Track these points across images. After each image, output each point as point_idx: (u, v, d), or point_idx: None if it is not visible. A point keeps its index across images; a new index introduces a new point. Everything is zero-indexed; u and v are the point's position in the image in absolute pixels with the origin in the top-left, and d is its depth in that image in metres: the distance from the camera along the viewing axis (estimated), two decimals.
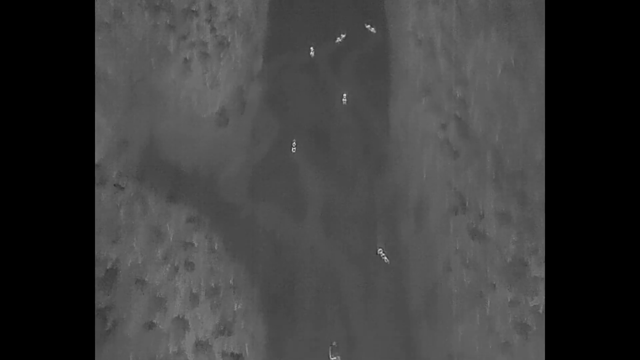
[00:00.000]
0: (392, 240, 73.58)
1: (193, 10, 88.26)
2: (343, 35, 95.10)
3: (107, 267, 63.60)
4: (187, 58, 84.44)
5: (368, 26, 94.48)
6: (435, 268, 66.87)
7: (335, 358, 63.74)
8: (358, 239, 75.07)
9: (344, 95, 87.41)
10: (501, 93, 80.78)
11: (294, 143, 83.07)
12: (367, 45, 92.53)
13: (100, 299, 62.46)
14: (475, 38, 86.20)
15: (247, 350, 63.23)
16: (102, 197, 70.37)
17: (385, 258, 71.03)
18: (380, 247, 72.93)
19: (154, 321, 62.56)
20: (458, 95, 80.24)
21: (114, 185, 69.97)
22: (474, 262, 65.54)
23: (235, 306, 65.40)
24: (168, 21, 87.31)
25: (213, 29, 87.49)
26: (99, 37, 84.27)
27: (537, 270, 63.73)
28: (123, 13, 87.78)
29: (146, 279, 63.78)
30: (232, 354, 61.74)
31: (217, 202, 77.42)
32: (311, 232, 74.99)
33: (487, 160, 73.38)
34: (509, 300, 62.82)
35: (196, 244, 67.74)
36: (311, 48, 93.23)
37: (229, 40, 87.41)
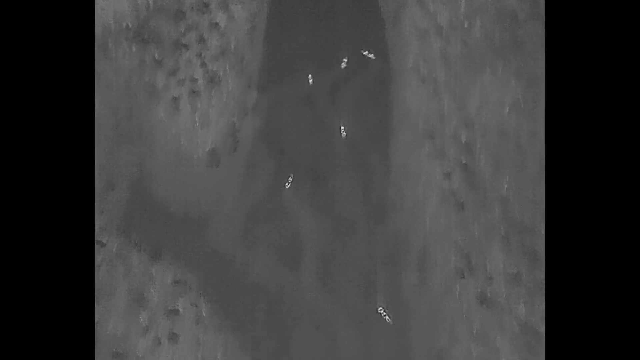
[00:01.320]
0: (393, 296, 68.34)
1: (183, 44, 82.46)
2: (345, 60, 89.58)
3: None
4: (176, 96, 78.68)
5: (366, 52, 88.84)
6: (440, 336, 61.39)
7: None
8: (357, 295, 69.70)
9: (342, 127, 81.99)
10: (509, 134, 75.23)
11: (290, 178, 77.85)
12: (368, 75, 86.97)
13: None
14: (480, 73, 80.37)
15: None
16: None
17: (387, 317, 65.71)
18: (380, 306, 67.67)
19: None
20: (463, 139, 74.50)
21: (96, 242, 64.69)
22: (482, 332, 60.14)
23: None
24: (156, 56, 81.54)
25: (204, 64, 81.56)
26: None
27: None
28: (109, 46, 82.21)
29: (126, 352, 58.18)
30: None
31: (207, 253, 72.08)
32: (307, 287, 69.71)
33: (495, 212, 67.93)
34: None
35: (182, 311, 62.23)
36: (309, 76, 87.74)
37: (221, 75, 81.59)
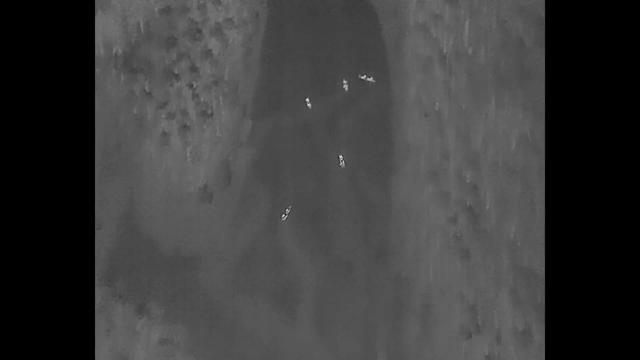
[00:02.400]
0: (394, 347, 63.99)
1: (174, 73, 77.73)
2: (346, 82, 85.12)
3: None
4: (166, 131, 74.11)
5: (364, 77, 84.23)
6: None
7: None
8: (356, 345, 65.33)
9: (341, 157, 77.55)
10: (516, 172, 70.80)
11: (288, 210, 73.45)
12: (367, 103, 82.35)
13: None
14: (486, 105, 75.92)
15: None
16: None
17: None
18: (381, 357, 63.40)
19: None
20: (468, 178, 69.95)
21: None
22: None
23: None
24: (146, 87, 76.81)
25: (195, 95, 76.73)
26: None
27: None
28: (97, 74, 77.59)
29: None
30: None
31: (198, 299, 67.71)
32: (304, 338, 65.36)
33: (502, 260, 63.45)
34: None
35: None
36: (307, 99, 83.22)
37: (213, 107, 76.77)
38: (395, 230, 72.43)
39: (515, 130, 75.54)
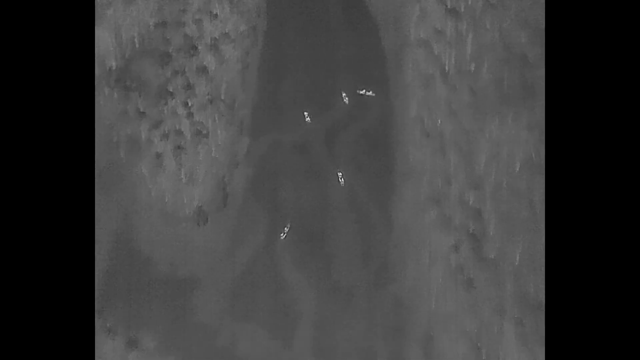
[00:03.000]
0: None
1: (169, 91, 75.28)
2: (345, 94, 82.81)
3: None
4: (160, 152, 71.60)
5: (363, 91, 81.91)
6: None
7: None
8: None
9: (340, 174, 75.15)
10: (521, 194, 68.32)
11: (286, 228, 71.12)
12: (367, 120, 79.91)
13: None
14: (489, 124, 73.52)
15: None
16: None
17: None
18: None
19: None
20: (471, 201, 67.50)
21: None
22: None
23: None
24: (139, 106, 74.21)
25: (190, 115, 74.11)
26: None
27: None
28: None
29: None
30: None
31: (192, 326, 65.29)
32: None
33: (506, 290, 60.91)
34: None
35: None
36: (305, 114, 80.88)
37: (209, 126, 74.13)
38: (395, 255, 68.24)
39: (520, 150, 71.56)
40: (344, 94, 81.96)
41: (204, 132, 72.83)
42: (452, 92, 75.72)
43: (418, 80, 77.59)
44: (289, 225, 71.73)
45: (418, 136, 73.04)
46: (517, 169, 69.41)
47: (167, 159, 70.77)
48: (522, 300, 59.55)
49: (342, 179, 74.74)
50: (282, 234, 71.34)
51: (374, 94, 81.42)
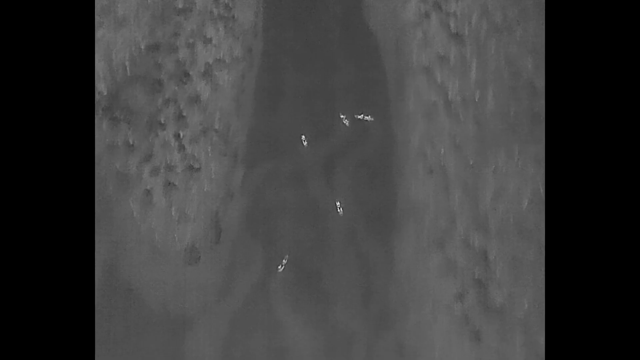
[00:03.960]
0: None
1: (160, 122, 71.55)
2: (343, 116, 79.10)
3: None
4: (149, 189, 67.99)
5: (361, 116, 78.13)
6: None
7: None
8: None
9: (338, 203, 71.42)
10: (528, 233, 64.62)
11: (284, 260, 67.41)
12: (367, 148, 76.20)
13: None
14: (495, 157, 69.79)
15: None
16: None
17: None
18: None
19: None
20: (476, 242, 63.72)
21: None
22: None
23: None
24: (129, 138, 70.44)
25: (182, 147, 70.59)
26: None
27: None
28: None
29: None
30: None
31: None
32: None
33: (515, 344, 57.09)
34: None
35: None
36: (302, 137, 77.24)
37: (202, 159, 70.42)
38: (397, 299, 63.97)
39: (527, 185, 67.38)
40: (342, 116, 78.36)
41: (196, 166, 68.94)
42: (456, 123, 71.92)
43: (420, 109, 73.84)
44: (287, 257, 68.11)
45: (420, 171, 69.18)
46: (525, 206, 65.66)
47: (157, 196, 66.93)
48: (532, 352, 55.67)
49: (341, 209, 71.08)
50: (279, 266, 67.71)
51: (372, 119, 77.83)
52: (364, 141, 75.97)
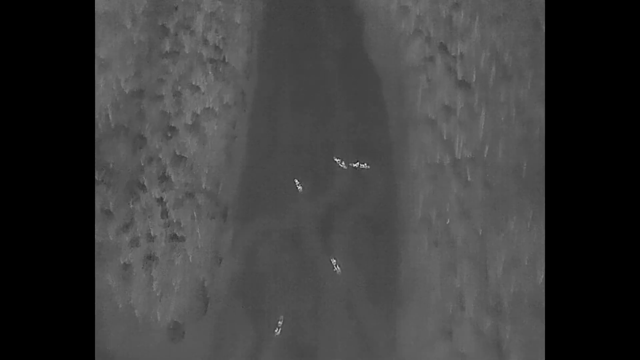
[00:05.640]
0: None
1: (141, 184, 64.81)
2: (338, 160, 72.81)
3: None
4: (128, 263, 61.11)
5: (356, 164, 71.90)
6: None
7: None
8: None
9: (334, 261, 65.02)
10: (544, 310, 57.79)
11: (280, 322, 61.02)
12: (368, 201, 69.81)
13: None
14: (506, 222, 63.25)
15: None
16: None
17: None
18: None
19: None
20: (487, 326, 56.91)
21: None
22: None
23: None
24: (107, 203, 63.83)
25: (165, 213, 63.93)
26: None
27: None
28: None
29: None
30: None
31: None
32: None
33: None
34: None
35: None
36: (296, 181, 70.92)
37: (187, 226, 63.68)
38: None
39: (542, 254, 57.47)
40: (337, 160, 72.29)
41: (180, 234, 62.29)
42: (464, 186, 65.17)
43: (425, 170, 67.11)
44: (282, 318, 62.03)
45: (425, 243, 62.51)
46: (540, 281, 59.13)
47: (136, 270, 60.29)
48: None
49: (338, 267, 65.00)
50: (276, 329, 61.56)
51: (369, 167, 71.59)
52: (365, 195, 69.65)
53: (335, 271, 65.01)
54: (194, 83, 73.05)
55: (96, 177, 63.47)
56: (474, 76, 73.97)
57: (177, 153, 66.66)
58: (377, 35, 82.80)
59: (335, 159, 72.94)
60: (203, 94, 72.83)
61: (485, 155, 67.01)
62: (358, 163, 72.29)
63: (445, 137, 68.45)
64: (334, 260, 65.31)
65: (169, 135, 67.77)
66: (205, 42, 78.44)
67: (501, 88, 73.24)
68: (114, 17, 78.74)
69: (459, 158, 66.62)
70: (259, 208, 69.77)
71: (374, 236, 66.66)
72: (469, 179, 64.87)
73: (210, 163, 69.39)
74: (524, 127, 70.65)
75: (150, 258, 59.72)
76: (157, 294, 59.96)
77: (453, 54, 76.20)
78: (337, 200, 70.60)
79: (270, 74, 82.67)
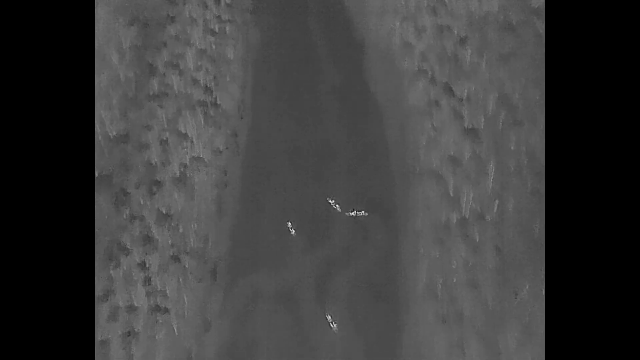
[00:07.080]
0: None
1: (123, 246, 59.26)
2: (332, 201, 67.44)
3: None
4: (106, 339, 55.59)
5: (353, 212, 66.52)
6: None
7: None
8: None
9: (329, 318, 59.62)
10: None
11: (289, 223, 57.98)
12: (366, 264, 64.01)
13: None
14: (518, 289, 57.54)
15: None
16: None
17: None
18: None
19: None
20: None
21: None
22: None
23: None
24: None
25: (147, 280, 58.47)
26: None
27: None
28: None
29: None
30: None
31: None
32: None
33: None
34: None
35: None
36: (289, 224, 65.49)
37: (172, 295, 58.33)
38: None
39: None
40: (331, 201, 67.04)
41: (164, 306, 56.83)
42: (472, 252, 59.55)
43: (431, 233, 61.36)
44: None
45: (431, 317, 56.86)
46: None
47: (113, 347, 54.92)
48: None
49: (334, 323, 59.90)
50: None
51: (366, 214, 66.24)
52: (364, 250, 64.17)
53: (332, 329, 59.94)
54: (182, 131, 67.47)
55: None
56: (482, 123, 68.35)
57: (162, 213, 60.96)
58: (378, 70, 77.49)
59: (329, 201, 67.83)
60: (192, 142, 67.34)
61: (494, 213, 61.32)
62: (355, 211, 67.25)
63: (451, 193, 62.82)
64: (329, 317, 60.35)
65: (153, 191, 62.23)
66: (196, 82, 73.02)
67: (511, 135, 67.68)
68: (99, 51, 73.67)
69: (466, 217, 60.90)
70: (250, 265, 64.58)
71: (375, 292, 61.46)
72: (476, 243, 59.15)
73: (199, 218, 64.00)
74: (537, 179, 64.92)
75: (129, 334, 54.16)
76: None
77: (459, 97, 70.61)
78: (334, 252, 65.42)
79: (265, 112, 77.42)
